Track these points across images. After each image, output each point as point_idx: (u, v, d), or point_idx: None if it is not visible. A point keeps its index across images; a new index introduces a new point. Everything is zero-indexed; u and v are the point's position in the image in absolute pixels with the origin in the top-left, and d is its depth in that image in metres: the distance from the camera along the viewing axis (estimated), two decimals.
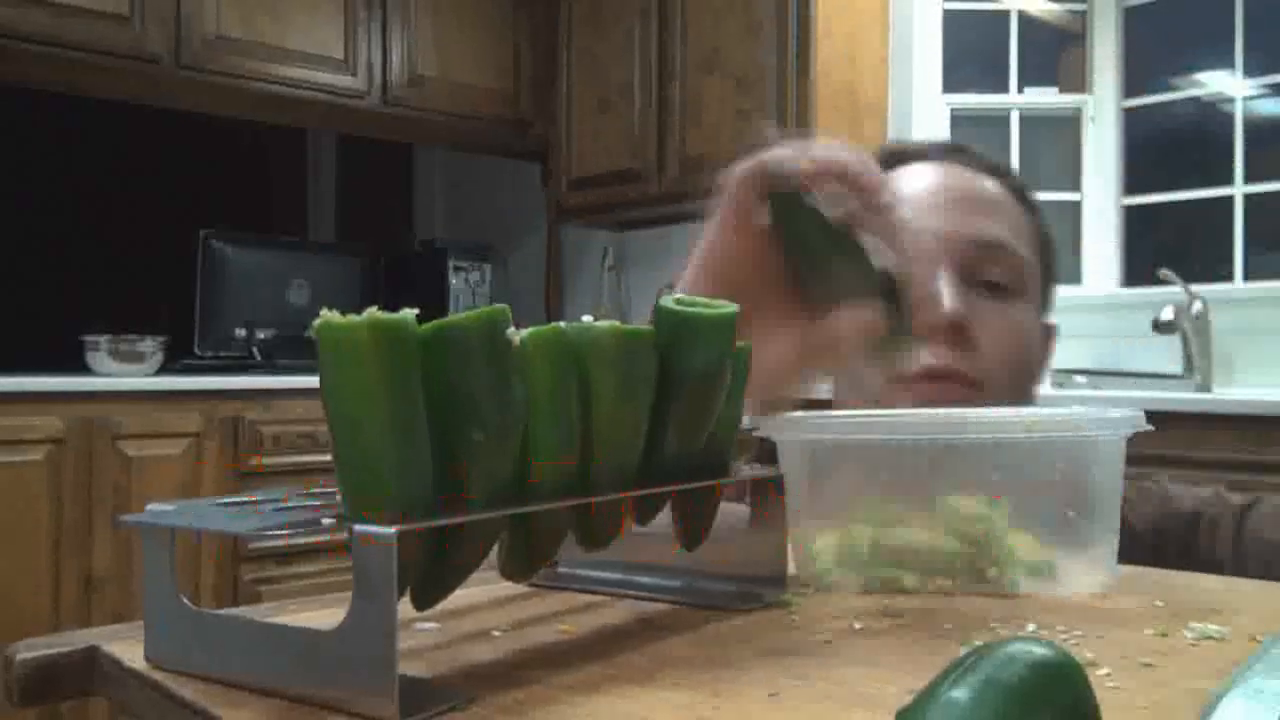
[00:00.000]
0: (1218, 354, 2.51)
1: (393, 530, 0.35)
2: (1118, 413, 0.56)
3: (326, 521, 0.38)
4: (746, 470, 0.54)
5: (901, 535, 0.57)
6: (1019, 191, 0.94)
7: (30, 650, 0.45)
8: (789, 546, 0.55)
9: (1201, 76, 2.90)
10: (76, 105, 3.50)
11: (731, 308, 0.47)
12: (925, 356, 0.79)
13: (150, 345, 2.80)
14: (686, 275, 0.67)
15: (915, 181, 0.91)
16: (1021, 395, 0.88)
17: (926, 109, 3.00)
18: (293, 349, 3.09)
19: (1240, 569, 0.72)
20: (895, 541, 0.57)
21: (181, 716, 0.39)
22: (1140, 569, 0.64)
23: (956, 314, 0.80)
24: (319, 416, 0.39)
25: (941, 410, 0.61)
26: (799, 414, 0.61)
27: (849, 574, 0.58)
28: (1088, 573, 0.56)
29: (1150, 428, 0.57)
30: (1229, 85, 2.81)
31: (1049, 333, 0.96)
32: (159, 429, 2.67)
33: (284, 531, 0.38)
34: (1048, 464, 0.56)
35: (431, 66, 3.38)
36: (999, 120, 3.03)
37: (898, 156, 0.95)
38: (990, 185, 0.92)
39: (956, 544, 0.56)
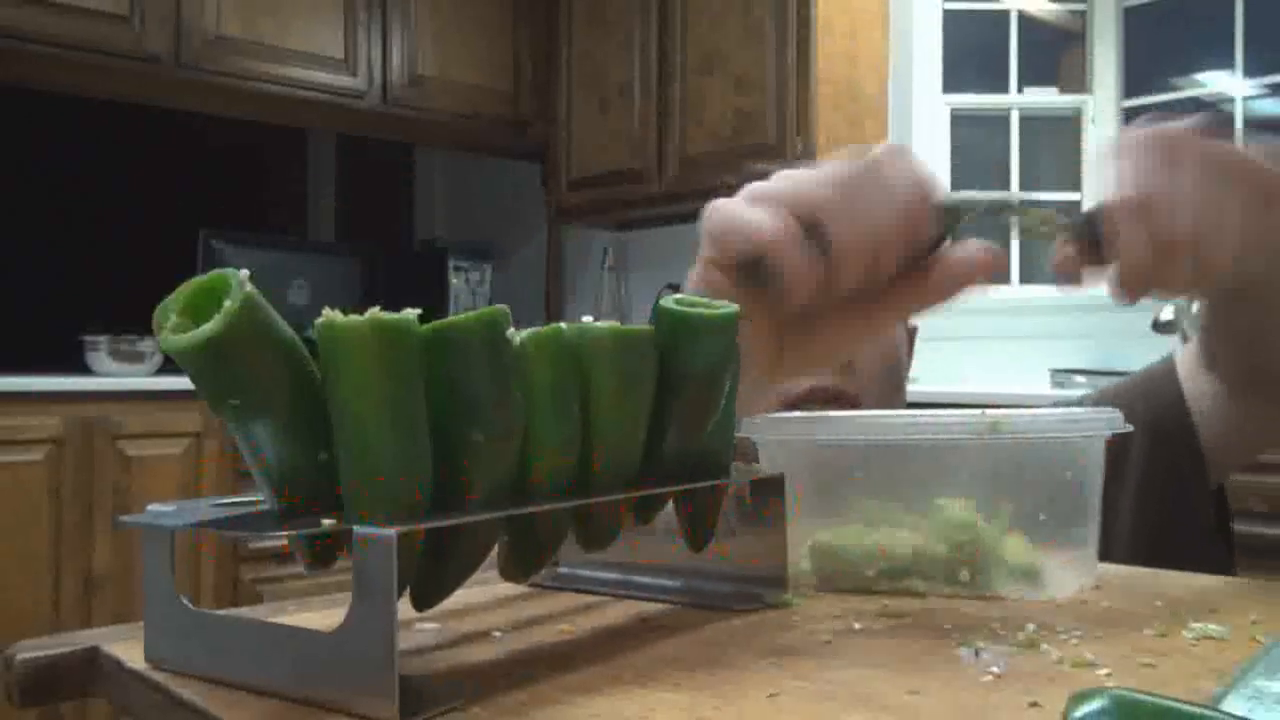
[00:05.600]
0: None
1: (392, 531, 0.35)
2: (1097, 414, 0.57)
3: (327, 522, 0.38)
4: (746, 470, 0.54)
5: (883, 536, 0.57)
6: None
7: (30, 651, 0.45)
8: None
9: (1201, 76, 2.91)
10: (76, 105, 3.49)
11: (732, 308, 0.47)
12: (809, 378, 0.86)
13: (150, 345, 2.80)
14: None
15: None
16: (892, 403, 0.95)
17: (926, 109, 3.00)
18: None
19: None
20: (869, 541, 0.57)
21: (181, 717, 0.39)
22: (1139, 569, 0.64)
23: (834, 387, 0.87)
24: None
25: (910, 411, 0.62)
26: (779, 415, 0.61)
27: (820, 573, 0.58)
28: (1068, 575, 0.56)
29: (1129, 428, 0.57)
30: (1229, 85, 2.81)
31: (912, 336, 1.03)
32: (159, 429, 2.67)
33: (284, 531, 0.38)
34: (1022, 465, 0.56)
35: (431, 66, 3.38)
36: (999, 120, 3.03)
37: (761, 177, 0.98)
38: None
39: (942, 547, 0.56)
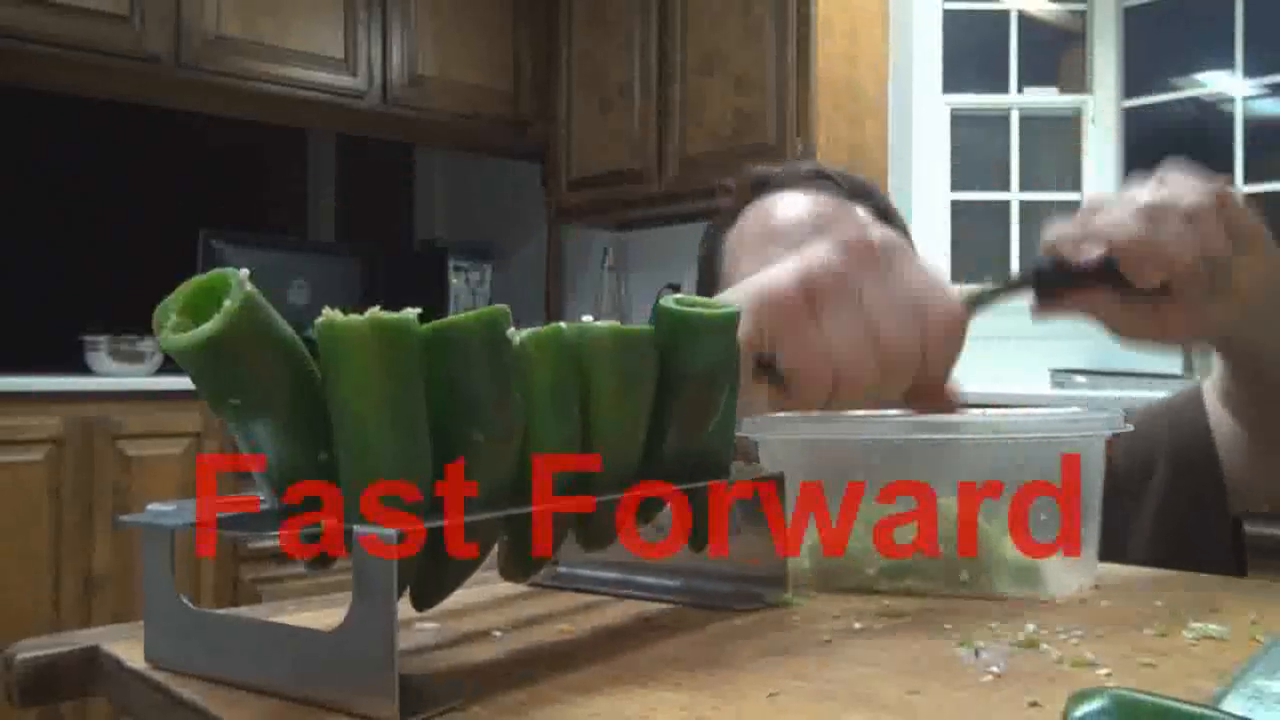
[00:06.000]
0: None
1: (393, 531, 0.35)
2: (1097, 414, 0.56)
3: (327, 522, 0.38)
4: (746, 470, 0.54)
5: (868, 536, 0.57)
6: (883, 211, 0.98)
7: (30, 650, 0.45)
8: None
9: (1201, 76, 2.91)
10: (76, 105, 3.49)
11: (732, 308, 0.47)
12: None
13: (150, 345, 2.80)
14: None
15: (789, 210, 0.94)
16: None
17: (926, 109, 3.00)
18: None
19: None
20: (867, 542, 0.57)
21: (181, 716, 0.39)
22: (1139, 569, 0.64)
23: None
24: None
25: (905, 412, 0.62)
26: (779, 415, 0.61)
27: (820, 573, 0.58)
28: (1068, 575, 0.56)
29: (1129, 428, 0.58)
30: (1229, 85, 2.81)
31: None
32: (159, 429, 2.68)
33: (284, 531, 0.38)
34: (1022, 466, 0.56)
35: (431, 66, 3.38)
36: (999, 120, 3.03)
37: (763, 184, 0.98)
38: (858, 210, 0.95)
39: (942, 547, 0.56)
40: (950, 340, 0.55)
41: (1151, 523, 0.81)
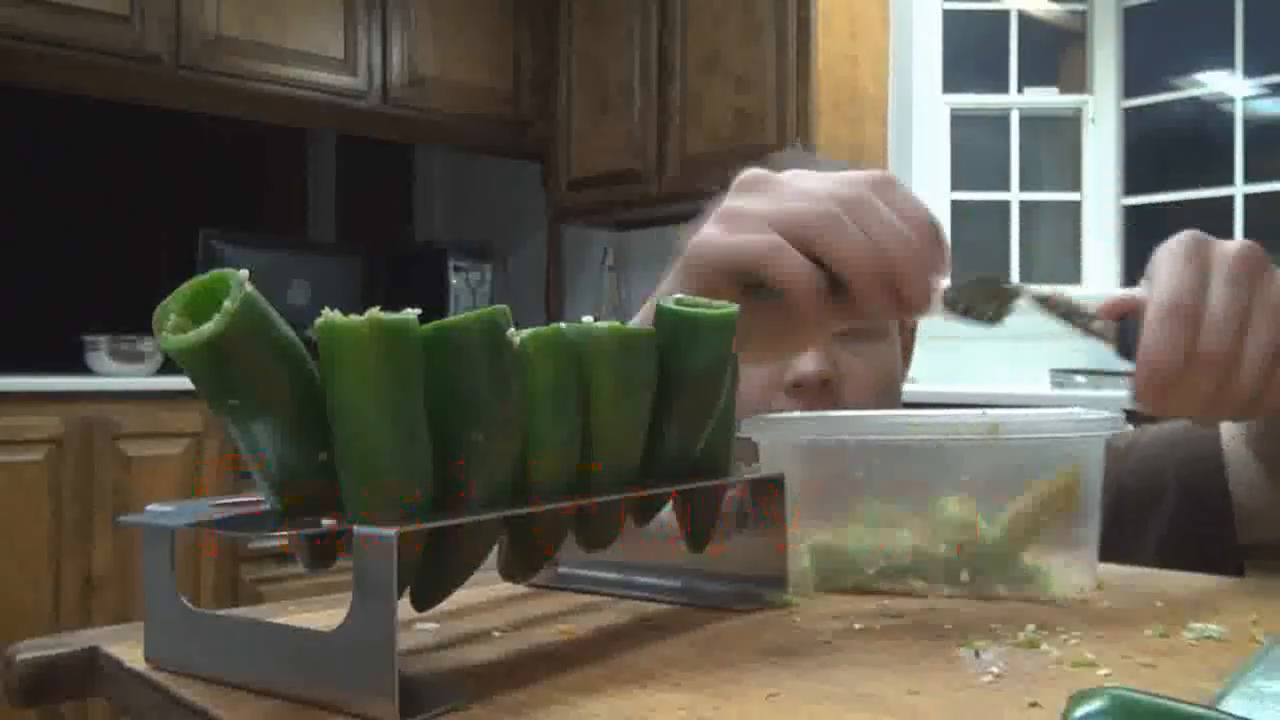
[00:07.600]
0: None
1: (393, 531, 0.35)
2: (1097, 414, 0.56)
3: (327, 522, 0.38)
4: (746, 470, 0.54)
5: (883, 536, 0.57)
6: None
7: (30, 650, 0.45)
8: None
9: (1201, 76, 2.91)
10: (76, 105, 3.49)
11: (732, 308, 0.47)
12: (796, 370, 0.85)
13: (150, 345, 2.80)
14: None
15: None
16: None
17: (926, 109, 3.00)
18: None
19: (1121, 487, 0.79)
20: (867, 542, 0.57)
21: (181, 716, 0.39)
22: (1138, 569, 0.64)
23: (823, 373, 0.85)
24: None
25: (910, 411, 0.61)
26: (779, 415, 0.61)
27: (820, 573, 0.58)
28: (1068, 575, 0.56)
29: (1129, 428, 0.57)
30: (1229, 85, 2.81)
31: (911, 335, 1.00)
32: (159, 429, 2.67)
33: (284, 531, 0.38)
34: (1022, 466, 0.56)
35: (431, 66, 3.38)
36: (999, 120, 3.03)
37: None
38: None
39: (942, 547, 0.56)
40: (909, 202, 0.51)
41: (1157, 548, 0.80)
